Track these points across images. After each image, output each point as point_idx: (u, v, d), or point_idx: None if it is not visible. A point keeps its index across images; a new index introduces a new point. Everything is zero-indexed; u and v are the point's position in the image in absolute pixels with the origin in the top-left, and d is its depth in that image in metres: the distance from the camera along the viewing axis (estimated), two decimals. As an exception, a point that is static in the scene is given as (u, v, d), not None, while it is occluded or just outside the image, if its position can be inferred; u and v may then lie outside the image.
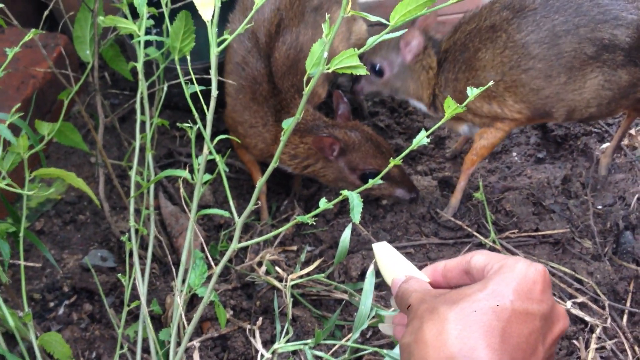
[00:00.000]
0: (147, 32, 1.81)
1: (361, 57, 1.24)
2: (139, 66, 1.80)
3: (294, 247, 2.37)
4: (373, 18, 1.18)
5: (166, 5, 1.74)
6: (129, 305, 1.72)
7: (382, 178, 1.96)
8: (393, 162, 1.36)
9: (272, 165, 1.36)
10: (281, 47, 2.26)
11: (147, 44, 1.98)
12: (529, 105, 2.20)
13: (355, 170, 2.28)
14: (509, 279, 0.95)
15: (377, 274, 2.01)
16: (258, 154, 2.41)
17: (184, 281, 1.68)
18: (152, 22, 1.86)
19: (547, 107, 2.20)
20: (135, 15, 1.80)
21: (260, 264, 2.22)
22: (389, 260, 1.25)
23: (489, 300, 0.93)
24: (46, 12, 1.87)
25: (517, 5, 2.14)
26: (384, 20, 1.16)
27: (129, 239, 1.84)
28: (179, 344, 1.63)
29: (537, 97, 2.17)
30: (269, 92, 2.26)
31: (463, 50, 2.24)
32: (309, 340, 1.80)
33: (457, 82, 2.26)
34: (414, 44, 2.34)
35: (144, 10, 1.74)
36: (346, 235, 1.96)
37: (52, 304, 2.25)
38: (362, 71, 1.23)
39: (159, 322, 2.12)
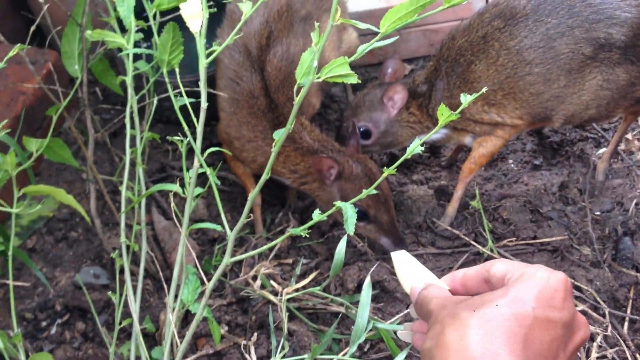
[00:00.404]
0: (137, 46, 1.79)
1: (353, 66, 1.22)
2: (128, 80, 1.78)
3: (290, 260, 2.34)
4: (363, 25, 1.17)
5: (154, 18, 1.72)
6: (120, 324, 1.69)
7: (370, 221, 1.95)
8: (387, 171, 1.34)
9: (264, 177, 1.34)
10: (272, 59, 2.22)
11: (137, 57, 1.96)
12: (530, 111, 2.18)
13: (345, 200, 2.18)
14: (531, 286, 0.95)
15: (374, 285, 1.99)
16: (256, 168, 2.37)
17: (176, 297, 1.65)
18: (141, 35, 1.84)
19: (548, 111, 2.19)
20: (124, 29, 1.78)
21: (255, 277, 2.19)
22: (408, 269, 1.24)
23: (510, 306, 0.93)
24: (33, 27, 1.84)
25: (508, 13, 2.12)
26: (374, 28, 1.14)
27: (120, 256, 1.81)
28: (172, 362, 1.60)
29: (538, 102, 2.16)
30: (266, 106, 2.21)
31: (455, 66, 2.22)
32: (306, 356, 1.77)
33: (452, 98, 2.23)
34: (397, 99, 2.35)
35: (131, 23, 1.72)
36: (341, 247, 1.93)
37: (44, 323, 2.21)
38: (353, 80, 1.21)
39: (153, 339, 2.08)
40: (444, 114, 1.27)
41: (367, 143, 2.43)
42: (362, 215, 2.17)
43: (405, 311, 2.08)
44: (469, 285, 1.10)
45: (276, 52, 2.22)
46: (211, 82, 2.29)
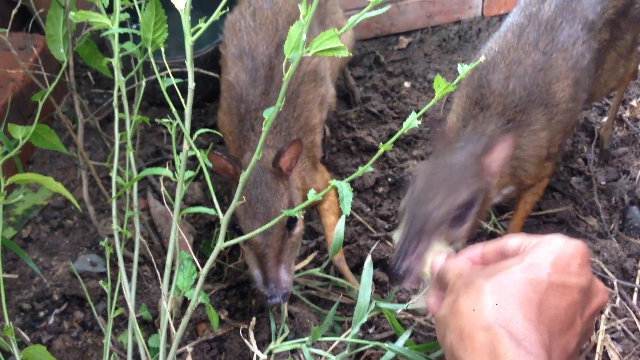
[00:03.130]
0: (125, 27, 1.73)
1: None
2: (115, 62, 1.72)
3: (290, 241, 2.29)
4: (352, -6, 1.12)
5: (139, -3, 1.67)
6: (113, 313, 1.65)
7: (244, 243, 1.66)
8: (383, 147, 1.28)
9: (254, 158, 1.29)
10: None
11: (125, 39, 1.90)
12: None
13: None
14: (546, 253, 0.96)
15: (375, 264, 1.94)
16: None
17: (171, 283, 1.61)
18: (127, 15, 1.78)
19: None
20: (110, 10, 1.72)
21: (254, 260, 2.15)
22: None
23: (525, 272, 0.94)
24: (14, 11, 1.79)
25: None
26: (364, -3, 1.10)
27: (115, 242, 1.77)
28: (169, 350, 1.56)
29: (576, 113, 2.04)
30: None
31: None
32: (306, 339, 1.73)
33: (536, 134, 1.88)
34: (500, 158, 1.66)
35: (117, 2, 1.66)
36: (340, 226, 1.89)
37: (42, 314, 2.18)
38: (344, 52, 1.16)
39: (153, 326, 2.05)
40: (440, 85, 1.23)
41: (464, 229, 1.65)
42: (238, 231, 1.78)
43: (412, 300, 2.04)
44: (487, 258, 1.10)
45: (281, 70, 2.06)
46: (207, 62, 2.23)
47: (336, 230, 1.88)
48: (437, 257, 1.22)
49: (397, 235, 1.53)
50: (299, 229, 1.83)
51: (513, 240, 1.05)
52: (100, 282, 1.67)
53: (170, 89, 1.48)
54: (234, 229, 1.77)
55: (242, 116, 2.01)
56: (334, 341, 1.84)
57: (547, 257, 0.95)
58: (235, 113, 2.03)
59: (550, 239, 0.98)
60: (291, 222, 1.76)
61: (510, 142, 1.64)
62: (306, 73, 2.07)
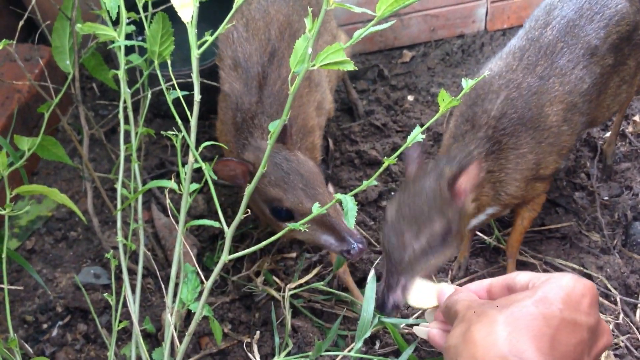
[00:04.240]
0: (131, 39, 1.74)
1: (352, 55, 1.17)
2: (121, 74, 1.73)
3: (293, 254, 2.29)
4: (358, 10, 1.13)
5: (145, 10, 1.67)
6: (118, 325, 1.65)
7: (303, 219, 1.58)
8: (387, 161, 1.29)
9: (260, 171, 1.29)
10: (276, 81, 2.04)
11: (131, 51, 1.91)
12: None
13: (266, 203, 1.80)
14: (558, 289, 0.97)
15: (378, 278, 1.94)
16: None
17: (175, 296, 1.61)
18: (133, 27, 1.79)
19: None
20: (117, 22, 1.73)
21: (258, 273, 2.15)
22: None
23: (538, 306, 0.94)
24: (21, 23, 1.80)
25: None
26: (370, 12, 1.11)
27: (119, 255, 1.77)
28: (173, 363, 1.56)
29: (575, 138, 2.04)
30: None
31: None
32: (310, 353, 1.73)
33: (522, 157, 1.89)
34: (468, 182, 1.65)
35: (122, 14, 1.67)
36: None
37: (45, 326, 2.18)
38: (349, 66, 1.17)
39: (156, 339, 2.05)
40: (444, 100, 1.24)
41: (445, 254, 1.65)
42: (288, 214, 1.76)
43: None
44: (493, 292, 1.12)
45: (281, 74, 2.04)
46: (212, 74, 2.22)
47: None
48: (444, 288, 1.24)
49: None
50: (330, 185, 1.85)
51: (522, 276, 1.06)
52: (105, 294, 1.67)
53: (175, 101, 1.49)
54: (278, 214, 1.74)
55: (238, 125, 2.01)
56: (337, 355, 1.83)
57: (558, 293, 0.96)
58: (232, 122, 2.03)
59: (561, 276, 0.99)
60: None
61: (478, 167, 1.63)
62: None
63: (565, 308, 0.94)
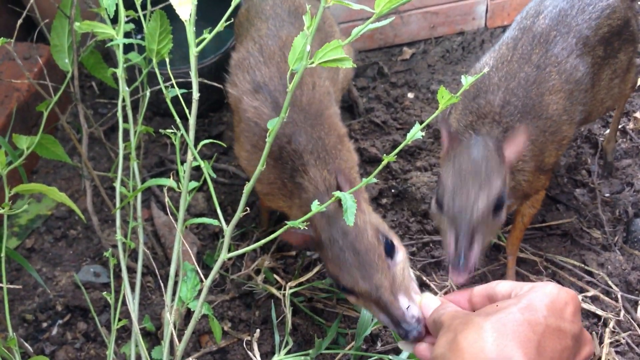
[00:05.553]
0: (130, 38, 1.73)
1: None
2: (119, 72, 1.73)
3: (293, 253, 2.29)
4: (357, 7, 1.12)
5: (144, 8, 1.67)
6: (117, 324, 1.65)
7: (356, 297, 1.56)
8: (387, 158, 1.28)
9: (259, 169, 1.29)
10: (300, 98, 1.98)
11: (130, 49, 1.90)
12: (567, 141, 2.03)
13: (330, 276, 1.73)
14: (542, 297, 0.97)
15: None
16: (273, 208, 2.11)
17: (174, 294, 1.61)
18: (132, 26, 1.79)
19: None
20: (115, 20, 1.73)
21: (258, 271, 2.14)
22: None
23: (523, 313, 0.94)
24: (20, 21, 1.79)
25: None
26: (368, 9, 1.10)
27: (119, 253, 1.77)
28: (172, 361, 1.56)
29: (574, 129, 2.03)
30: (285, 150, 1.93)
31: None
32: (310, 351, 1.73)
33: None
34: (518, 146, 1.70)
35: (121, 13, 1.66)
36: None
37: (45, 324, 2.18)
38: (348, 64, 1.16)
39: (156, 337, 2.04)
40: (444, 97, 1.23)
41: (502, 219, 1.69)
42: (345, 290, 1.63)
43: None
44: (475, 302, 1.11)
45: (302, 93, 1.99)
46: (211, 72, 2.22)
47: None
48: (429, 301, 1.23)
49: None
50: (401, 254, 1.65)
51: (502, 285, 1.07)
52: (104, 293, 1.67)
53: (174, 99, 1.49)
54: (342, 289, 1.61)
55: (277, 155, 1.90)
56: (337, 353, 1.83)
57: (543, 300, 0.96)
58: (273, 158, 1.91)
59: (544, 285, 1.00)
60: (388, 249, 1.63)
61: (526, 130, 1.68)
62: (321, 94, 2.05)
63: (550, 315, 0.94)
